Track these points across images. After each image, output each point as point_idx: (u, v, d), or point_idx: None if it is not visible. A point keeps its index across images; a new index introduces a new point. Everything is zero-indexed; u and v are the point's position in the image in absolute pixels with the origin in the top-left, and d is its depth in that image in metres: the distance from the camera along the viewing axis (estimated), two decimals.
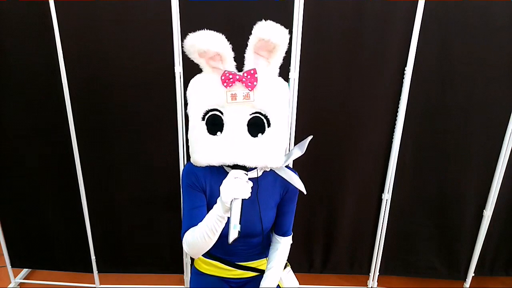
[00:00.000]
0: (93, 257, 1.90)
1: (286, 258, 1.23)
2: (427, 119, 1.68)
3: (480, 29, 1.53)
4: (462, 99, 1.63)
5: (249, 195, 0.93)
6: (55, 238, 1.90)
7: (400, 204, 1.82)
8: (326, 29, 1.53)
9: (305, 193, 1.10)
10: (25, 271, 2.09)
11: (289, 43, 1.50)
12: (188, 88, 1.01)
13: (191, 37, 0.94)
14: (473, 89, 1.62)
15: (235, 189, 0.92)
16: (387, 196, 1.79)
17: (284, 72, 1.56)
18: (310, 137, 1.10)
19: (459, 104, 1.64)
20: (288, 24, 1.48)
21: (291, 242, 1.25)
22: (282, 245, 1.22)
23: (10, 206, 1.85)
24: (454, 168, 1.75)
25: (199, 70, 1.03)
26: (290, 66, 1.53)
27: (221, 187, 0.94)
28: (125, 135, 1.68)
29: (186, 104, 1.04)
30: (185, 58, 1.48)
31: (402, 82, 1.60)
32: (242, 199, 0.92)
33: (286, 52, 1.49)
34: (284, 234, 1.22)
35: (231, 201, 0.91)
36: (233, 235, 0.89)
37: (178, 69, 1.53)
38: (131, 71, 1.57)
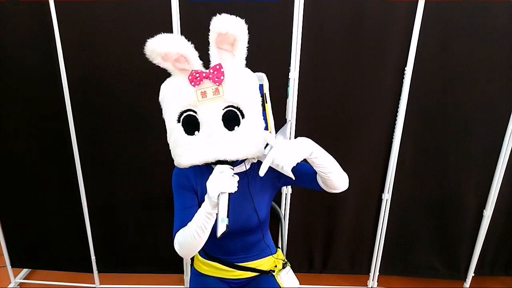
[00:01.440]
0: (93, 257, 1.90)
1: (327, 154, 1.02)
2: (427, 119, 1.68)
3: (480, 29, 1.53)
4: (462, 99, 1.63)
5: (236, 189, 0.93)
6: (55, 238, 1.90)
7: (400, 204, 1.82)
8: (326, 29, 1.53)
9: (293, 178, 1.05)
10: (25, 271, 2.09)
11: (289, 43, 1.51)
12: (160, 93, 1.02)
13: (150, 42, 0.96)
14: (473, 89, 1.62)
15: (221, 183, 0.92)
16: (387, 196, 1.79)
17: (284, 72, 1.56)
18: (289, 122, 1.09)
19: (459, 104, 1.64)
20: (288, 24, 1.48)
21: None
22: None
23: (10, 206, 1.85)
24: (454, 168, 1.75)
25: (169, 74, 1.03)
26: (290, 66, 1.54)
27: (207, 183, 0.95)
28: (125, 135, 1.68)
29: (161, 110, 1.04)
30: None
31: (402, 82, 1.60)
32: (229, 193, 0.93)
33: (286, 52, 1.51)
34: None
35: (218, 196, 0.92)
36: (221, 228, 0.89)
37: None
38: (131, 71, 1.57)
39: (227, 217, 0.90)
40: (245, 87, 0.99)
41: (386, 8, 1.49)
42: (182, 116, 1.00)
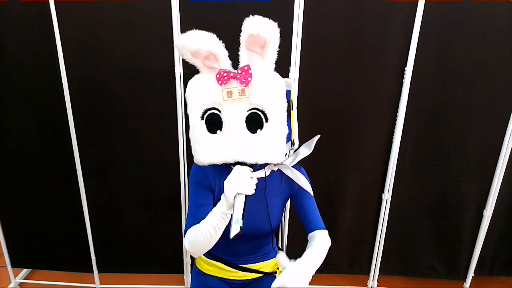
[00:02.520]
0: (93, 257, 1.90)
1: (323, 254, 1.05)
2: (427, 119, 1.68)
3: (480, 29, 1.53)
4: (462, 99, 1.64)
5: (253, 191, 0.93)
6: (55, 238, 1.90)
7: (400, 204, 1.82)
8: (326, 29, 1.53)
9: (311, 194, 1.09)
10: (25, 271, 2.09)
11: (289, 43, 1.51)
12: (186, 89, 1.02)
13: (182, 37, 0.95)
14: (473, 89, 1.62)
15: (239, 184, 0.92)
16: (387, 196, 1.79)
17: (284, 72, 1.56)
18: (317, 136, 1.10)
19: (459, 104, 1.64)
20: (288, 24, 1.48)
21: (329, 240, 1.10)
22: (318, 238, 1.07)
23: (10, 206, 1.85)
24: (454, 168, 1.75)
25: (198, 70, 1.03)
26: (290, 66, 1.54)
27: (224, 182, 0.94)
28: (125, 135, 1.68)
29: (186, 104, 1.05)
30: None
31: (402, 82, 1.60)
32: (246, 195, 0.92)
33: (286, 52, 1.51)
34: (317, 228, 1.11)
35: (234, 196, 0.91)
36: (234, 230, 0.89)
37: (178, 69, 1.53)
38: (131, 71, 1.57)
39: (242, 219, 0.89)
40: (272, 90, 0.98)
41: (386, 8, 1.50)
42: (206, 114, 0.99)
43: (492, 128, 1.68)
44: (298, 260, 0.98)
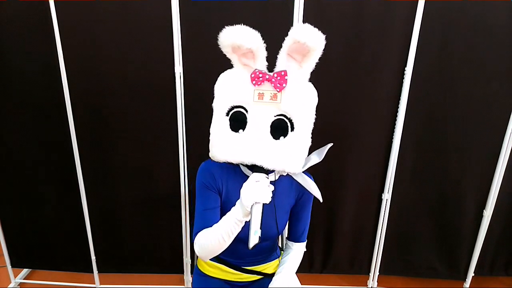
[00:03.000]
0: (93, 257, 1.90)
1: (298, 265, 1.20)
2: (427, 119, 1.68)
3: (480, 29, 1.53)
4: (462, 99, 1.63)
5: (270, 199, 0.92)
6: (55, 238, 1.90)
7: (400, 204, 1.82)
8: (326, 29, 1.52)
9: (321, 200, 1.08)
10: (25, 271, 2.08)
11: None
12: (217, 82, 1.00)
13: (227, 30, 0.92)
14: (473, 89, 1.62)
15: (257, 193, 0.91)
16: (387, 196, 1.79)
17: None
18: (330, 145, 1.09)
19: (459, 104, 1.64)
20: (288, 24, 1.48)
21: (305, 249, 1.22)
22: (295, 251, 1.19)
23: (10, 206, 1.85)
24: (454, 168, 1.75)
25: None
26: None
27: (242, 190, 0.93)
28: (125, 135, 1.68)
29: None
30: (185, 58, 1.50)
31: (402, 82, 1.60)
32: (263, 204, 0.91)
33: None
34: (297, 240, 1.19)
35: (251, 206, 0.90)
36: (253, 240, 0.89)
37: (178, 69, 1.53)
38: (131, 71, 1.57)
39: (260, 228, 0.90)
40: (303, 100, 0.97)
41: (386, 8, 1.49)
42: (232, 111, 0.97)
43: (492, 128, 1.68)
44: (284, 272, 1.13)
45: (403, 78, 1.59)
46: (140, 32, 1.52)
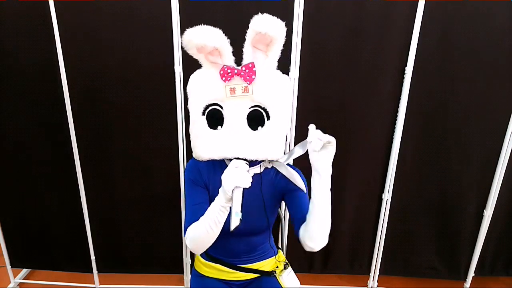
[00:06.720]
0: (93, 257, 1.90)
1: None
2: (427, 119, 1.68)
3: (480, 29, 1.53)
4: (462, 99, 1.64)
5: (250, 184, 0.93)
6: (55, 238, 1.90)
7: (400, 204, 1.82)
8: (326, 29, 1.53)
9: (305, 191, 1.08)
10: (25, 271, 2.09)
11: (289, 43, 1.51)
12: (188, 84, 1.02)
13: (189, 32, 0.95)
14: (473, 89, 1.62)
15: (236, 178, 0.92)
16: (387, 196, 1.79)
17: (284, 72, 1.55)
18: (312, 128, 1.09)
19: (459, 104, 1.64)
20: (288, 24, 1.48)
21: None
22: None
23: (10, 206, 1.85)
24: (454, 168, 1.75)
25: (199, 68, 1.03)
26: (290, 66, 1.53)
27: (222, 176, 0.95)
28: (125, 135, 1.68)
29: (186, 101, 1.05)
30: (185, 57, 1.50)
31: (402, 82, 1.60)
32: (243, 188, 0.93)
33: (286, 52, 1.51)
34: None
35: (232, 190, 0.92)
36: (234, 222, 0.90)
37: (178, 68, 1.53)
38: (131, 70, 1.57)
39: (241, 211, 0.91)
40: (275, 88, 0.99)
41: (386, 8, 1.49)
42: (208, 110, 1.00)
43: (492, 128, 1.68)
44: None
45: (403, 77, 1.59)
46: (140, 31, 1.52)
